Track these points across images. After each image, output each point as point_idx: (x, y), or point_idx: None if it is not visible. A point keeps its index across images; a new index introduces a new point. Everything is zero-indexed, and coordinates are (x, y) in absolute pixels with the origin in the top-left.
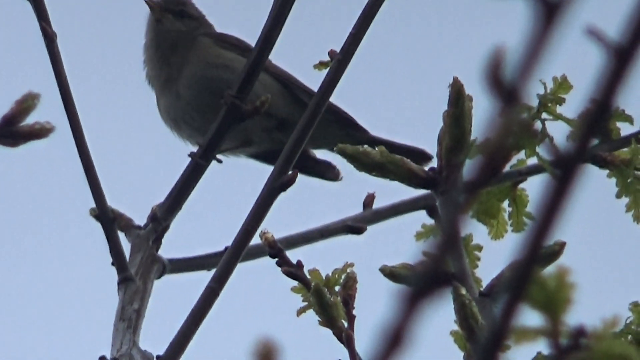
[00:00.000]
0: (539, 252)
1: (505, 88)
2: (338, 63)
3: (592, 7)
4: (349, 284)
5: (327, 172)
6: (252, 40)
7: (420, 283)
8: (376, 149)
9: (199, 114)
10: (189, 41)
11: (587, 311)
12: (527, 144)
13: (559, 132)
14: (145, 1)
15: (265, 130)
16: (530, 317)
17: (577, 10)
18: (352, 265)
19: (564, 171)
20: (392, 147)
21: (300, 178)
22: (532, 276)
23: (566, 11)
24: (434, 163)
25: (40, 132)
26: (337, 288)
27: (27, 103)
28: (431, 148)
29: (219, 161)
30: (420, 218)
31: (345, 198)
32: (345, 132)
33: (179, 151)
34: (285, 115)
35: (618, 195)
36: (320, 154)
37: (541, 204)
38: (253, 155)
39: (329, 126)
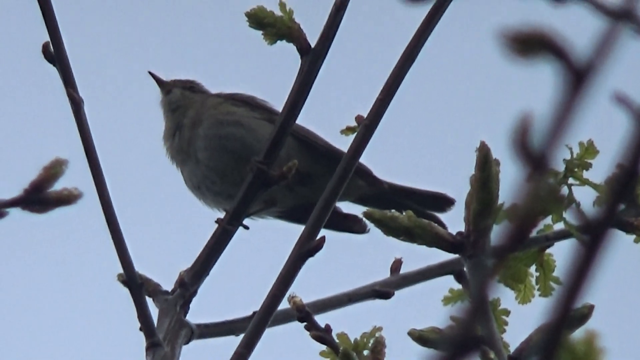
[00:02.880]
0: (568, 316)
1: (532, 155)
2: (365, 128)
3: (619, 74)
4: (378, 348)
5: (354, 226)
6: (278, 105)
7: (449, 348)
8: (404, 213)
9: (218, 176)
10: (199, 104)
11: None
12: (554, 209)
13: (585, 197)
14: (153, 76)
15: (288, 187)
16: None
17: (604, 76)
18: (380, 329)
19: (591, 237)
20: (413, 193)
21: (329, 241)
22: (561, 340)
23: (593, 78)
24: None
25: (68, 198)
26: (365, 352)
27: (54, 169)
28: (458, 213)
29: (246, 227)
30: (448, 282)
31: (373, 262)
32: (365, 182)
33: (206, 217)
34: (306, 169)
35: None
36: (345, 207)
37: (569, 269)
38: (280, 216)
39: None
